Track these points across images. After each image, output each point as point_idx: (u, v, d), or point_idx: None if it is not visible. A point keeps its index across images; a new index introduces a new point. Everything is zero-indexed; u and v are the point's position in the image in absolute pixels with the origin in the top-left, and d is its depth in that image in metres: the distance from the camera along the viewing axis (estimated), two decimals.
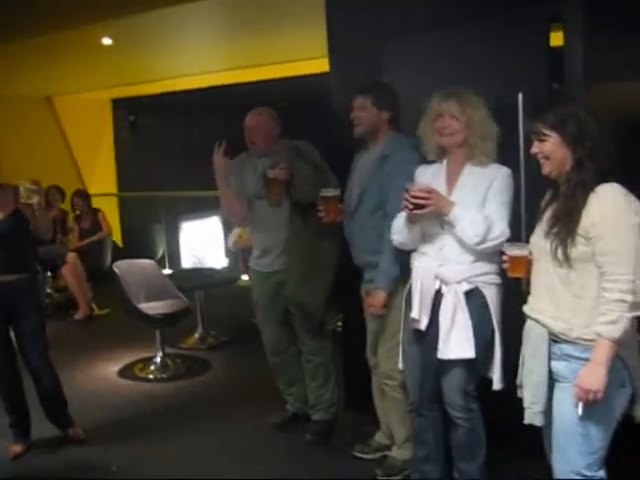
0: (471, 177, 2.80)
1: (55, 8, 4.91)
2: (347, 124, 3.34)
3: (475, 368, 2.80)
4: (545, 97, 3.11)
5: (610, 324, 2.13)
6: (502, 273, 2.69)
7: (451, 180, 2.85)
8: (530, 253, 2.43)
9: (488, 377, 2.82)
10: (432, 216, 2.76)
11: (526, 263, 2.43)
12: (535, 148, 2.36)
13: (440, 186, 2.81)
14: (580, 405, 2.20)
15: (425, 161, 2.99)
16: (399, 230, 2.91)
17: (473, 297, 2.76)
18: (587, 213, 2.20)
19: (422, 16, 3.65)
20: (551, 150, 2.31)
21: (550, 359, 2.32)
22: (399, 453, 3.40)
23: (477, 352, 2.74)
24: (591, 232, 2.18)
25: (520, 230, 2.98)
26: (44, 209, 3.73)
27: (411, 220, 2.81)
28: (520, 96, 3.12)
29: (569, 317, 2.25)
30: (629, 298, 2.11)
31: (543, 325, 2.33)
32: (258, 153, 3.77)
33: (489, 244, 2.68)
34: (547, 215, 2.36)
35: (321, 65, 6.04)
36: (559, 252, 2.24)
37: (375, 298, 3.18)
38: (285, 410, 4.08)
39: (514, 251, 2.47)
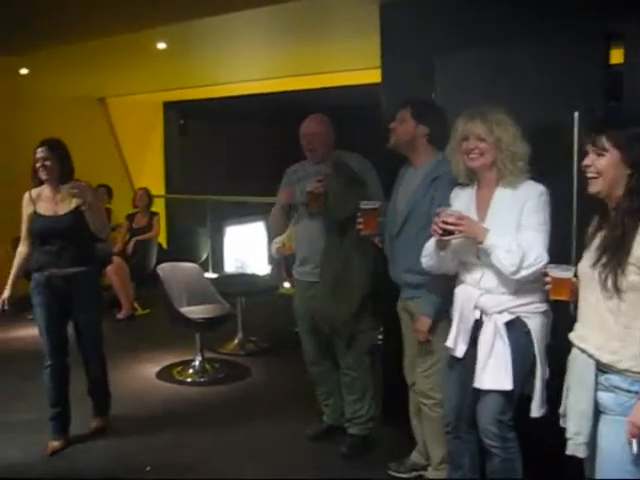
0: (503, 200, 2.72)
1: (112, 13, 4.98)
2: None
3: (512, 398, 2.72)
4: (602, 115, 3.03)
5: None
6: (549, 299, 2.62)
7: (483, 204, 2.78)
8: (575, 275, 2.34)
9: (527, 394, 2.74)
10: (468, 245, 2.70)
11: (570, 285, 2.34)
12: (588, 160, 2.23)
13: (472, 211, 2.75)
14: (635, 442, 2.09)
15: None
16: (429, 253, 2.87)
17: (514, 327, 2.69)
18: (638, 242, 2.11)
19: (477, 31, 3.61)
20: (606, 167, 2.19)
21: (596, 389, 2.23)
22: (434, 474, 3.34)
23: (516, 383, 2.67)
24: None
25: (570, 251, 2.90)
26: (93, 209, 3.80)
27: (440, 246, 2.75)
28: (576, 114, 3.05)
29: (617, 348, 2.16)
30: None
31: (589, 355, 2.24)
32: (316, 160, 3.77)
33: (524, 273, 2.59)
34: (595, 243, 2.26)
35: (369, 76, 6.06)
36: (609, 282, 2.15)
37: (421, 324, 3.13)
38: (321, 422, 4.06)
39: (557, 273, 2.37)
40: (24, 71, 6.59)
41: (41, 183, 3.89)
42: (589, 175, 2.24)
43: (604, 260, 2.17)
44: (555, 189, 2.72)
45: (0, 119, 7.27)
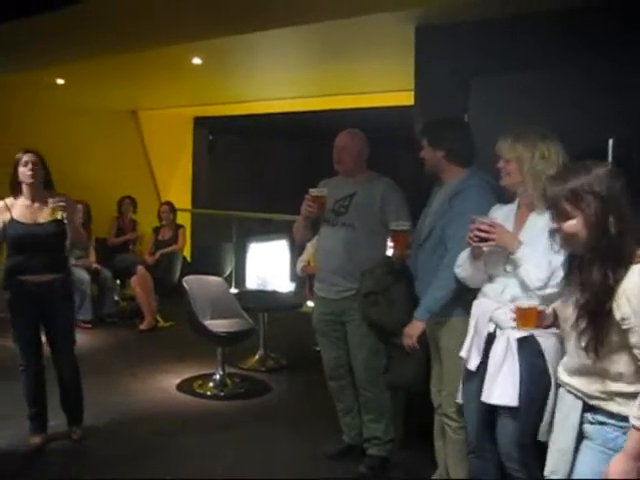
0: (540, 220, 2.71)
1: (149, 27, 5.07)
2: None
3: (532, 419, 2.65)
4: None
5: None
6: None
7: (520, 221, 2.78)
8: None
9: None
10: (498, 256, 2.71)
11: (535, 314, 2.38)
12: (555, 225, 2.12)
13: (509, 226, 2.76)
14: None
15: (501, 200, 2.94)
16: (462, 264, 2.89)
17: (527, 345, 2.65)
18: (616, 303, 1.99)
19: (511, 56, 3.62)
20: (576, 231, 2.06)
21: (582, 423, 2.20)
22: None
23: (531, 403, 2.63)
24: (623, 324, 1.99)
25: None
26: (75, 224, 3.99)
27: (474, 255, 2.78)
28: (611, 142, 3.04)
29: (605, 395, 2.11)
30: None
31: (577, 397, 2.21)
32: (344, 173, 3.80)
33: (549, 290, 2.56)
34: (573, 293, 2.14)
35: (399, 98, 6.09)
36: (589, 348, 2.07)
37: (412, 328, 3.16)
38: (341, 441, 4.03)
39: (521, 302, 2.43)
40: (60, 81, 6.72)
41: (14, 193, 3.94)
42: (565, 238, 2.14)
43: (583, 325, 2.08)
44: None
45: (35, 127, 7.39)
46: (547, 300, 2.60)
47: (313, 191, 3.68)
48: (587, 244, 2.04)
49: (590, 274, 2.03)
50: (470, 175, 3.18)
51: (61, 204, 3.75)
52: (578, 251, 2.10)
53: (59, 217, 3.78)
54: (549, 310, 2.37)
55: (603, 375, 2.10)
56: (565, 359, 2.30)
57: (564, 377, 2.29)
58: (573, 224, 2.05)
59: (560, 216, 2.08)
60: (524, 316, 2.43)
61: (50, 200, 3.78)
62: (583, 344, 2.08)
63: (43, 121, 7.67)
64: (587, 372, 2.15)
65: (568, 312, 2.19)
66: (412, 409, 3.94)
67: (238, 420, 4.66)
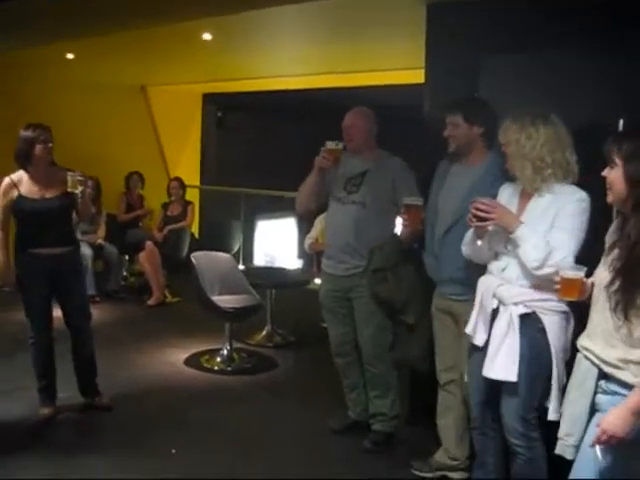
0: (543, 200, 2.72)
1: (158, 3, 5.05)
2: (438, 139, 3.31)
3: (535, 394, 2.71)
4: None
5: None
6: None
7: (523, 202, 2.79)
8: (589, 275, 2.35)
9: (546, 406, 2.70)
10: (500, 235, 2.73)
11: (579, 285, 2.34)
12: (605, 171, 2.24)
13: (513, 206, 2.78)
14: (598, 449, 2.10)
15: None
16: (466, 242, 2.93)
17: (529, 321, 2.68)
18: None
19: (522, 36, 3.60)
20: (613, 179, 2.19)
21: (596, 393, 2.24)
22: (460, 474, 3.33)
23: (533, 378, 2.67)
24: None
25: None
26: (87, 199, 4.09)
27: (476, 234, 2.81)
28: (621, 122, 3.03)
29: (621, 363, 2.15)
30: None
31: (593, 363, 2.25)
32: (354, 149, 3.79)
33: (547, 270, 2.58)
34: (610, 259, 2.22)
35: (408, 76, 6.06)
36: (619, 309, 2.12)
37: None
38: (346, 416, 4.07)
39: (567, 272, 2.38)
40: (70, 56, 6.71)
41: (23, 166, 3.95)
42: (607, 185, 2.25)
43: (616, 285, 2.14)
44: (597, 196, 2.69)
45: (45, 101, 7.40)
46: (544, 280, 2.62)
47: (329, 144, 3.66)
48: (628, 199, 2.15)
49: (631, 232, 2.12)
50: (497, 158, 3.10)
51: (80, 178, 3.82)
52: (618, 204, 2.23)
53: (77, 191, 3.84)
54: (589, 282, 2.37)
55: (624, 340, 2.14)
56: (585, 333, 2.33)
57: (583, 341, 2.32)
58: (615, 173, 2.18)
59: (609, 164, 2.21)
60: (569, 286, 2.36)
61: (69, 174, 3.82)
62: (613, 304, 2.13)
63: (52, 95, 7.67)
64: (609, 335, 2.18)
65: (602, 275, 2.24)
66: (418, 386, 3.98)
67: (244, 395, 4.72)
